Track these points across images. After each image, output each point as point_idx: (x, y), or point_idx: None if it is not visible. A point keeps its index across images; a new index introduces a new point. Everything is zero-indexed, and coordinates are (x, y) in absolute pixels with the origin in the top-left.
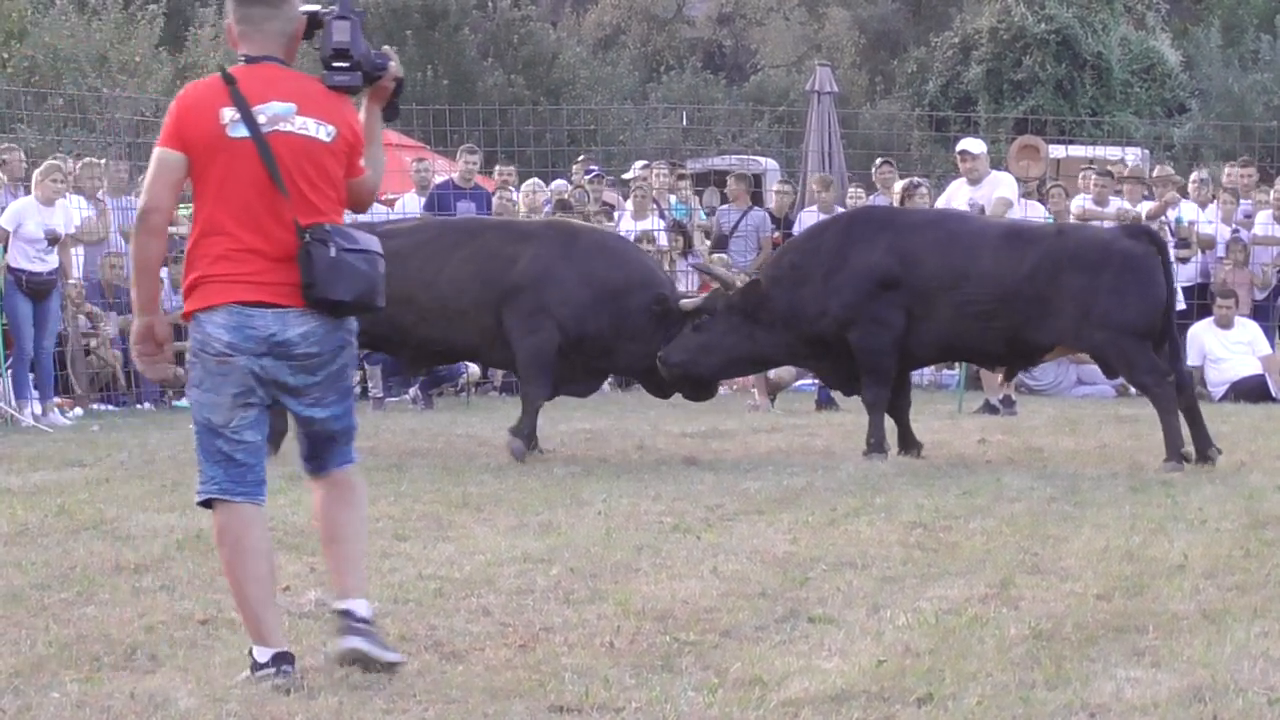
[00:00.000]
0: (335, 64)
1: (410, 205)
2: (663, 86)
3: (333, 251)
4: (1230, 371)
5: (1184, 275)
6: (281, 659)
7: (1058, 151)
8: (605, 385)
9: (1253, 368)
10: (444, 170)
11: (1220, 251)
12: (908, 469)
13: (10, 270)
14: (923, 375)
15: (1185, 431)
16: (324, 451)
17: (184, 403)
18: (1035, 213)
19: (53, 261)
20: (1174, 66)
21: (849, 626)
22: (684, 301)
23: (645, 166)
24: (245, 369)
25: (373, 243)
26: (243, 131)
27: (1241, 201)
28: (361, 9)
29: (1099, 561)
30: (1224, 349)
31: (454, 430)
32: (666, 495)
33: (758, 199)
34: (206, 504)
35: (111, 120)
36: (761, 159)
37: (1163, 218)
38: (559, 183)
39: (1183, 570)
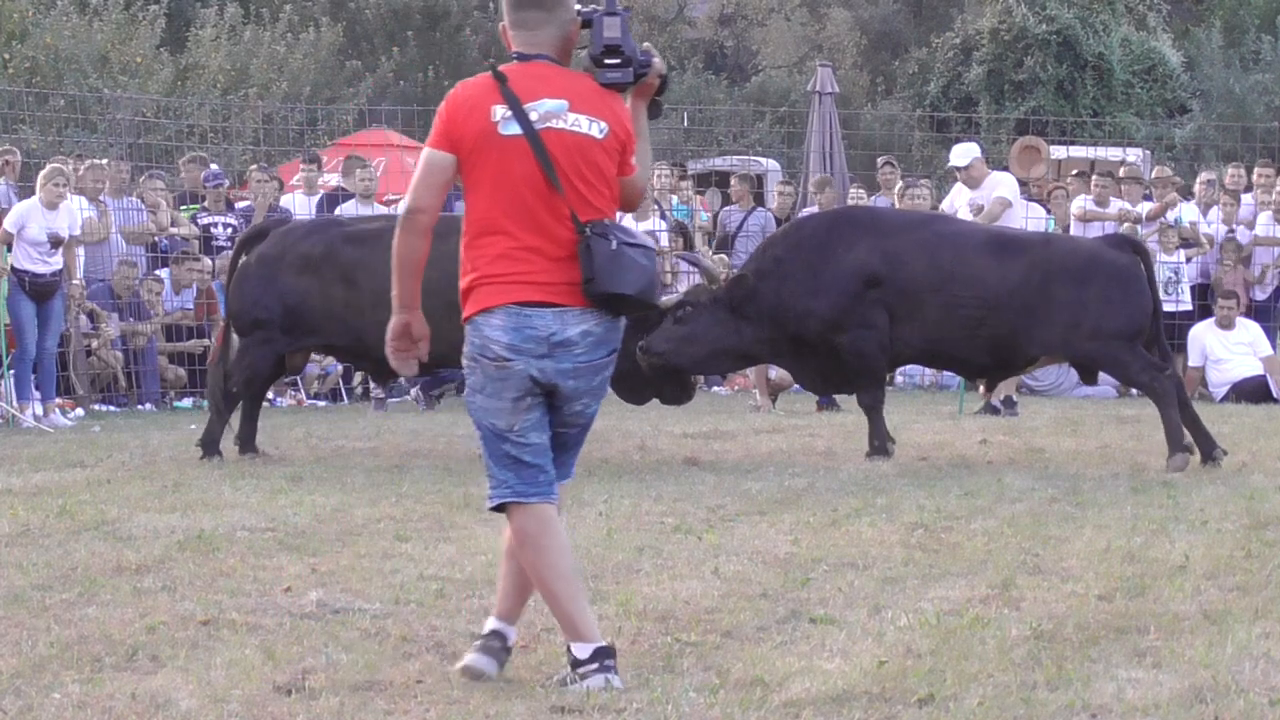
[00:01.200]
0: (606, 60)
1: None
2: None
3: (613, 245)
4: (1231, 372)
5: (1187, 275)
6: (603, 653)
7: (1059, 152)
8: None
9: (1254, 368)
10: None
11: (1218, 253)
12: (909, 470)
13: (14, 271)
14: (924, 376)
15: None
16: (561, 459)
17: (185, 404)
18: (1036, 214)
19: (56, 263)
20: (1175, 67)
21: (850, 627)
22: (663, 299)
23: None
24: (524, 373)
25: (647, 238)
26: (515, 129)
27: (1243, 202)
28: (627, 7)
29: (1100, 562)
30: (1225, 350)
31: (455, 431)
32: (668, 496)
33: (759, 199)
34: (498, 508)
35: (113, 121)
36: (763, 160)
37: (1163, 218)
38: None
39: (1184, 571)
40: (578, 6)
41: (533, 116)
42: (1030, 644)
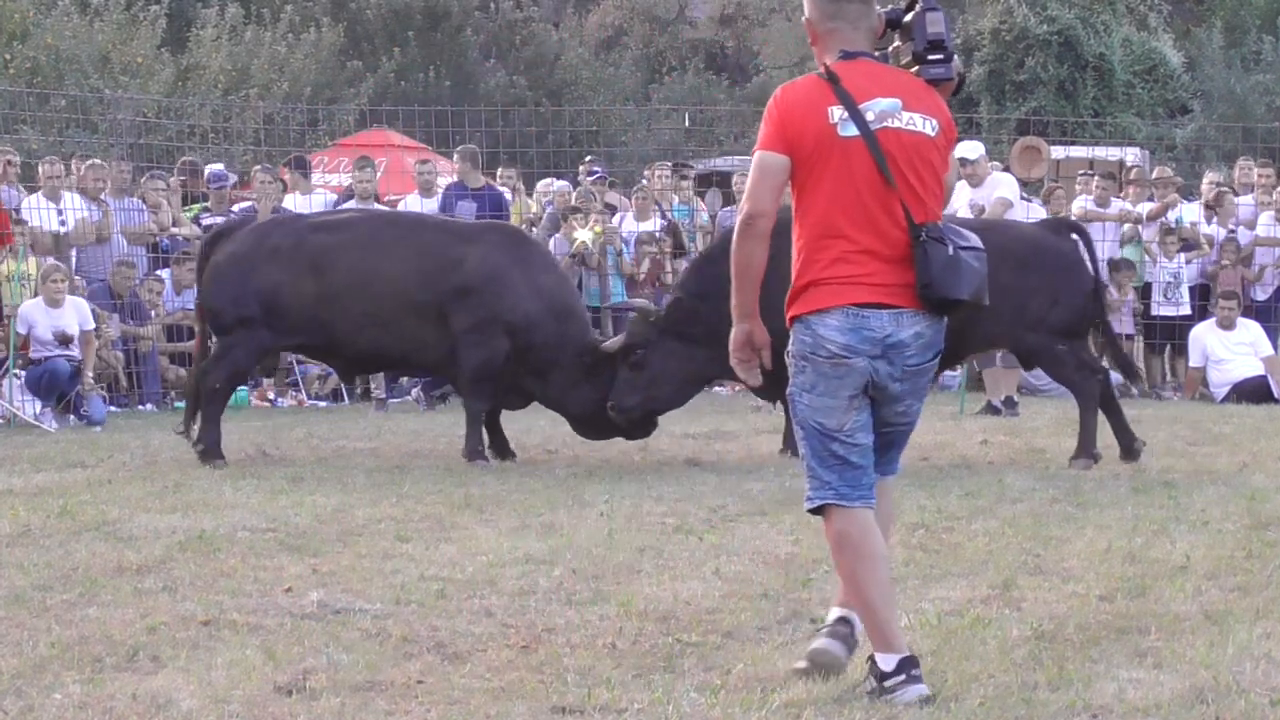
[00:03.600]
0: (930, 56)
1: (412, 206)
2: (665, 87)
3: (950, 249)
4: (1232, 373)
5: (1187, 276)
6: (908, 664)
7: (1059, 152)
8: None
9: (1255, 369)
10: (446, 171)
11: (1217, 254)
12: (910, 470)
13: (33, 363)
14: None
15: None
16: (882, 455)
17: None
18: (1036, 214)
19: (75, 352)
20: (1176, 68)
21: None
22: (605, 344)
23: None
24: (864, 370)
25: (978, 240)
26: (852, 130)
27: (1239, 202)
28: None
29: (1101, 563)
30: (1226, 350)
31: (456, 431)
32: (669, 496)
33: None
34: (817, 511)
35: (114, 121)
36: None
37: (1163, 218)
38: (561, 184)
39: (1185, 571)
40: (889, 5)
41: (868, 116)
42: (1031, 644)
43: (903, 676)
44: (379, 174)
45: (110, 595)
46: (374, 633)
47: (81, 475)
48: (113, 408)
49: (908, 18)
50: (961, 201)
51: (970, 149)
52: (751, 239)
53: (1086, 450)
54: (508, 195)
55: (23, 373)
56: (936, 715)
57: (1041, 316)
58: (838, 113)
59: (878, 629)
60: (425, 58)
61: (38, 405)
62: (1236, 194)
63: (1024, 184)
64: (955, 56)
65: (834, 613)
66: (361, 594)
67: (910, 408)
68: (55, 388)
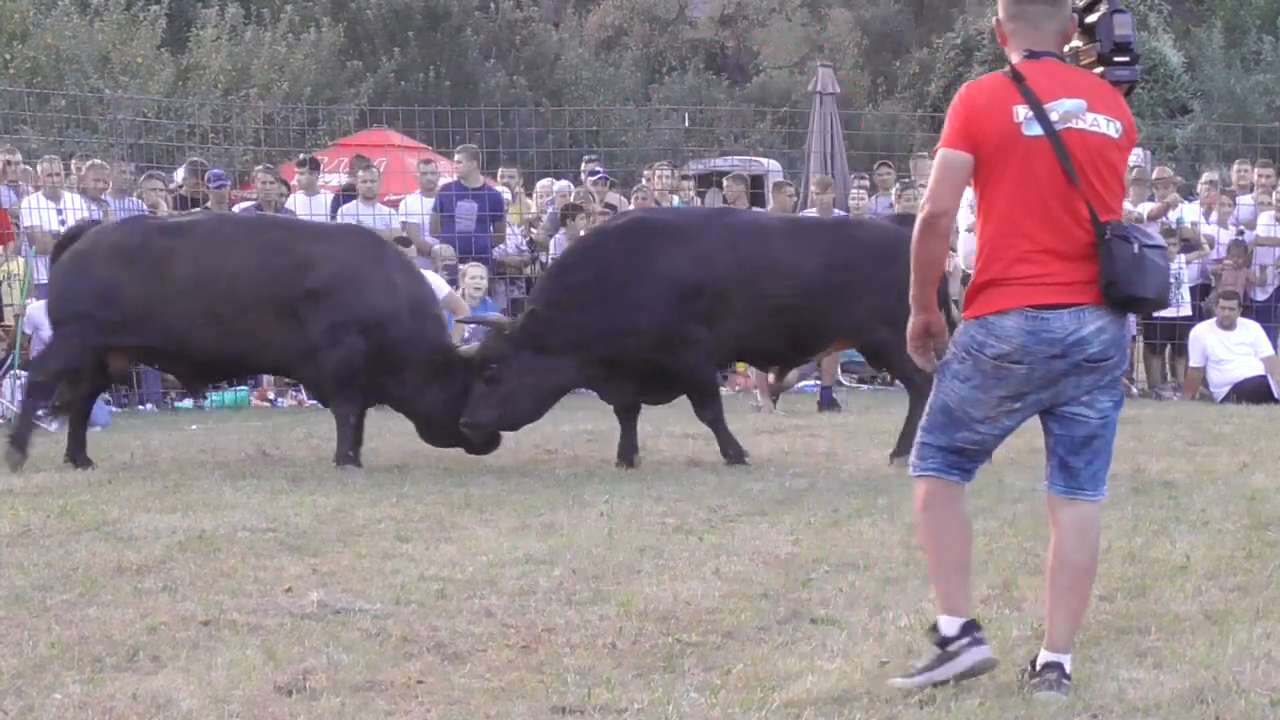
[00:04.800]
0: (1116, 58)
1: (415, 206)
2: (665, 87)
3: (1135, 249)
4: (1233, 373)
5: (1187, 276)
6: (971, 627)
7: None
8: None
9: (1255, 369)
10: (446, 171)
11: (1219, 253)
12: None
13: None
14: None
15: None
16: (1077, 463)
17: (186, 405)
18: None
19: None
20: (1176, 68)
21: (851, 627)
22: (463, 349)
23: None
24: (1023, 377)
25: (1161, 239)
26: (1037, 129)
27: (1239, 202)
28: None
29: (1101, 563)
30: (1226, 350)
31: None
32: (669, 496)
33: (759, 200)
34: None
35: (114, 121)
36: (764, 160)
37: (1164, 218)
38: (562, 184)
39: (1185, 571)
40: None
41: (1053, 117)
42: (1031, 644)
43: (966, 639)
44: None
45: (110, 595)
46: (374, 633)
47: (81, 475)
48: (113, 408)
49: (1090, 18)
50: (963, 201)
51: None
52: (933, 236)
53: (906, 448)
54: (507, 195)
55: (24, 373)
56: (937, 716)
57: (895, 312)
58: (1022, 112)
59: (945, 593)
60: (425, 58)
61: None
62: (1235, 194)
63: None
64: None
65: (1043, 656)
66: (361, 594)
67: (1098, 404)
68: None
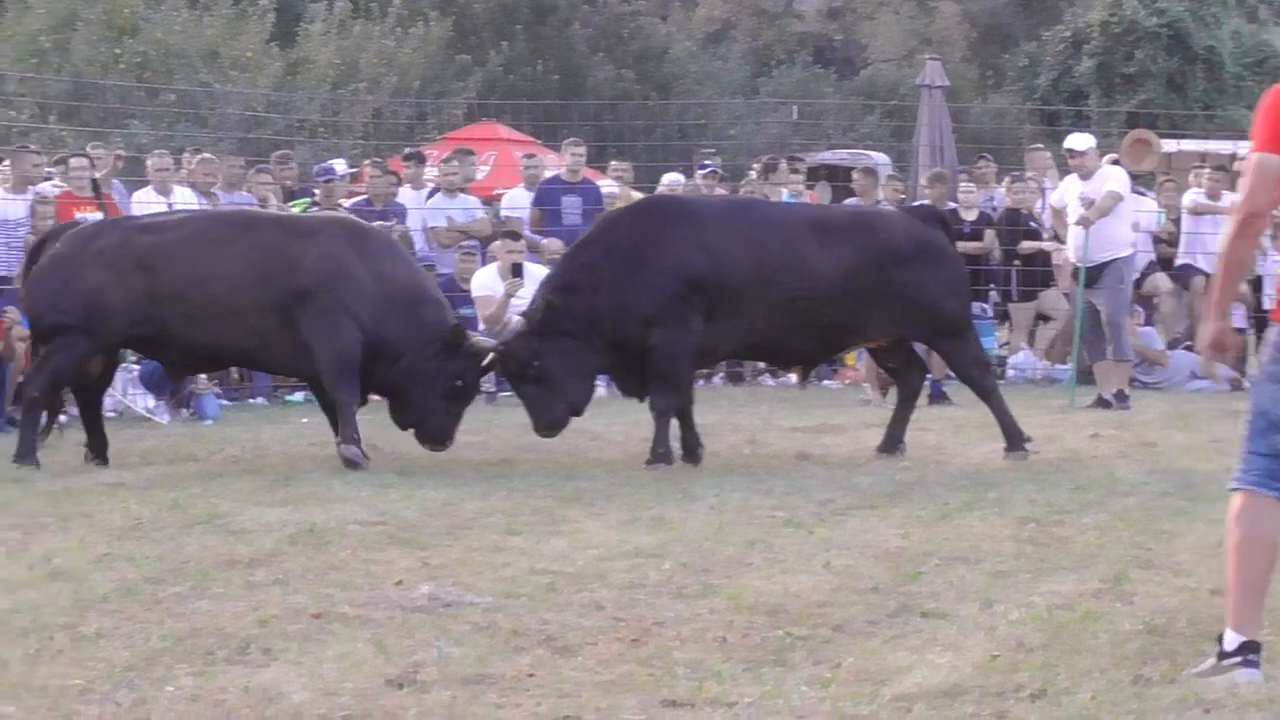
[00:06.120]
0: None
1: (519, 200)
2: (772, 81)
3: None
4: None
5: None
6: (1250, 648)
7: (1170, 145)
8: (716, 379)
9: None
10: (554, 165)
11: None
12: (1020, 464)
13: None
14: (1036, 370)
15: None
16: None
17: (296, 398)
18: (1146, 207)
19: None
20: None
21: (961, 621)
22: (477, 340)
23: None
24: None
25: None
26: None
27: None
28: None
29: (1212, 557)
30: None
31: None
32: (778, 490)
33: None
34: (1234, 490)
35: (223, 115)
36: (872, 153)
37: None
38: (674, 177)
39: None
40: None
41: None
42: (1142, 638)
43: (1239, 659)
44: (486, 167)
45: (221, 588)
46: (484, 626)
47: (192, 469)
48: (224, 401)
49: None
50: (1072, 195)
51: (1080, 141)
52: (1249, 238)
53: (1016, 442)
54: (615, 189)
55: (136, 367)
56: (1048, 709)
57: (939, 307)
58: None
59: (1235, 608)
60: (533, 51)
61: (150, 399)
62: None
63: (1134, 177)
64: None
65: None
66: (471, 587)
67: None
68: (168, 382)
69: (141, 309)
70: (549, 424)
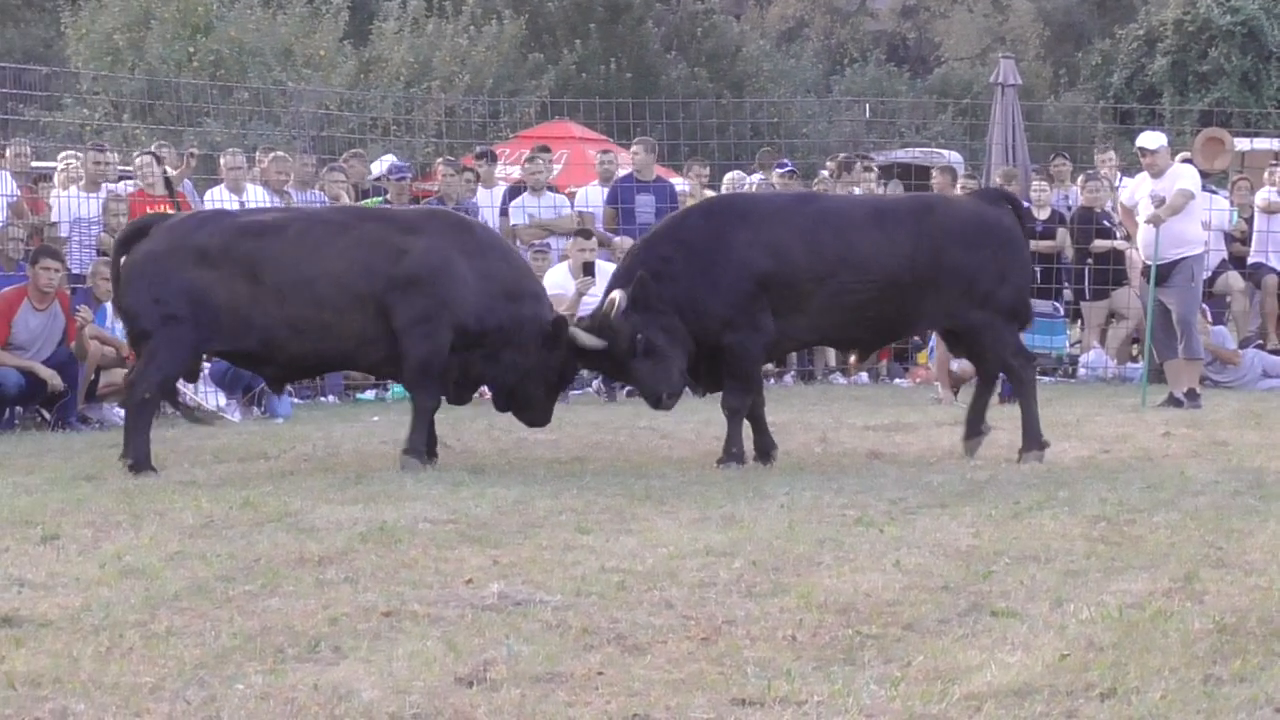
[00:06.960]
0: None
1: (594, 197)
2: (845, 79)
3: None
4: None
5: None
6: None
7: (1243, 144)
8: (788, 378)
9: None
10: (627, 164)
11: None
12: (1091, 463)
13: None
14: (1107, 368)
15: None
16: None
17: (367, 396)
18: (1219, 205)
19: None
20: None
21: (1032, 620)
22: (577, 333)
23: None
24: None
25: None
26: None
27: None
28: None
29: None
30: None
31: (637, 423)
32: (849, 488)
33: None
34: None
35: (296, 114)
36: (945, 152)
37: None
38: (753, 176)
39: None
40: None
41: None
42: (1213, 637)
43: None
44: (559, 165)
45: (292, 586)
46: (554, 624)
47: (264, 467)
48: (296, 399)
49: None
50: (1143, 193)
51: (1151, 139)
52: None
53: (1035, 442)
54: (683, 188)
55: (208, 365)
56: (1118, 709)
57: (990, 294)
58: None
59: None
60: (606, 50)
61: (221, 397)
62: None
63: (1206, 176)
64: None
65: None
66: (542, 585)
67: None
68: (240, 380)
69: (244, 316)
70: (670, 393)
